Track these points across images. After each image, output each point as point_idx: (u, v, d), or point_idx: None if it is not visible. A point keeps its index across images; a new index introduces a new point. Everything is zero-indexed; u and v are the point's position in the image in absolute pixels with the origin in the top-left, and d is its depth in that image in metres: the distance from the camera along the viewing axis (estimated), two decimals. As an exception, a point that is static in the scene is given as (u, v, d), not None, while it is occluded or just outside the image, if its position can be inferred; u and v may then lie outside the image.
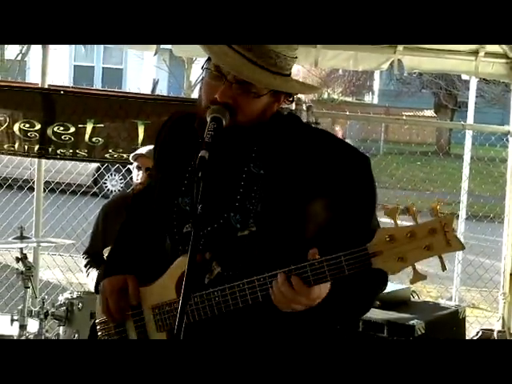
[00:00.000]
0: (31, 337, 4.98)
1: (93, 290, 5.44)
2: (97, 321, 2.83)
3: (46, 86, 6.80)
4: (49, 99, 6.63)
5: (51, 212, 8.43)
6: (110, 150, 6.73)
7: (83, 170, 10.10)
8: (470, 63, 7.06)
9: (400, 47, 6.93)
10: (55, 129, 6.62)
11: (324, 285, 2.32)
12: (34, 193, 7.03)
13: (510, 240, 7.38)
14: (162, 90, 20.80)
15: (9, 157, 7.51)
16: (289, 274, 2.30)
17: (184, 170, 2.59)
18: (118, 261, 2.84)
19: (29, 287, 5.05)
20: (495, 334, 7.38)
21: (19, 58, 23.25)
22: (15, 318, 5.00)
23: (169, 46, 7.62)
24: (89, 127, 6.65)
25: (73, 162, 8.27)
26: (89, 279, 5.56)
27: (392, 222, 2.25)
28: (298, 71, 22.27)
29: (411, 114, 24.99)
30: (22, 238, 5.19)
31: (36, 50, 18.27)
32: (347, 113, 8.80)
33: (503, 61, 7.02)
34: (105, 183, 13.85)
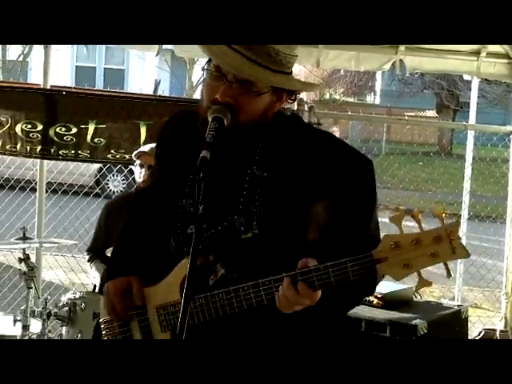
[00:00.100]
0: (34, 337, 4.99)
1: (97, 282, 5.47)
2: (101, 320, 2.84)
3: (48, 87, 6.80)
4: (51, 100, 6.63)
5: (53, 213, 8.44)
6: (112, 151, 6.73)
7: (85, 171, 10.09)
8: (471, 63, 7.05)
9: (402, 47, 6.93)
10: (57, 129, 6.62)
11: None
12: (37, 193, 7.03)
13: (512, 240, 7.39)
14: (164, 91, 20.76)
15: (11, 157, 7.51)
16: (294, 278, 2.31)
17: (187, 171, 2.59)
18: (121, 261, 2.84)
19: (31, 288, 5.05)
20: (497, 333, 7.38)
21: (21, 58, 23.27)
22: (18, 318, 5.00)
23: (171, 47, 7.61)
24: (91, 128, 6.65)
25: (75, 163, 8.28)
26: (92, 271, 5.58)
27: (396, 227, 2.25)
28: (300, 71, 22.24)
29: (413, 114, 24.98)
30: (24, 238, 5.19)
31: (38, 50, 18.27)
32: (349, 113, 8.79)
33: (505, 61, 7.02)
34: (107, 184, 13.85)
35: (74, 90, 7.06)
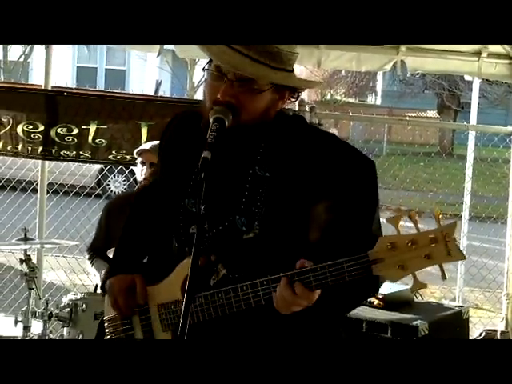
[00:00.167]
0: (35, 338, 4.99)
1: (97, 281, 5.48)
2: (105, 318, 2.84)
3: (49, 88, 6.80)
4: (52, 101, 6.64)
5: (55, 213, 8.44)
6: (114, 152, 6.73)
7: (86, 172, 10.11)
8: (472, 64, 7.06)
9: (403, 48, 6.93)
10: (58, 130, 6.62)
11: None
12: (38, 194, 7.03)
13: (513, 240, 7.39)
14: (165, 91, 20.79)
15: (12, 158, 7.51)
16: (291, 278, 2.31)
17: (190, 171, 2.59)
18: (125, 259, 2.86)
19: (33, 288, 5.05)
20: (498, 334, 7.38)
21: (22, 59, 23.29)
22: (19, 319, 5.00)
23: (172, 47, 7.61)
24: (92, 128, 6.65)
25: (76, 164, 8.27)
26: (93, 270, 5.58)
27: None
28: (301, 72, 22.23)
29: (414, 114, 25.03)
30: (25, 239, 5.19)
31: (39, 51, 18.29)
32: (350, 114, 8.79)
33: (506, 61, 7.02)
34: (108, 185, 13.85)
35: (75, 91, 7.06)
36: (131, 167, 6.79)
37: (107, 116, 6.67)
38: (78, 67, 28.06)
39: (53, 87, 6.87)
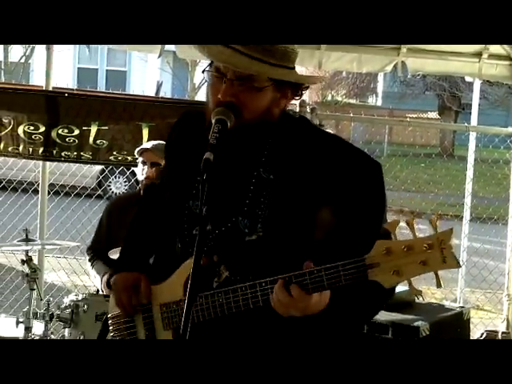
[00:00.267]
0: (36, 339, 4.99)
1: (97, 282, 5.48)
2: (109, 315, 2.85)
3: (50, 89, 6.80)
4: (53, 102, 6.64)
5: (56, 214, 8.44)
6: (115, 153, 6.74)
7: (88, 173, 10.11)
8: (473, 65, 7.07)
9: (403, 49, 6.93)
10: (59, 131, 6.62)
11: (324, 294, 2.33)
12: (39, 195, 7.03)
13: (514, 241, 7.40)
14: (166, 93, 20.80)
15: (13, 159, 7.50)
16: (288, 280, 2.31)
17: (194, 173, 2.59)
18: (130, 257, 2.87)
19: (34, 289, 5.05)
20: (499, 335, 7.38)
21: (23, 60, 23.32)
22: (20, 320, 5.00)
23: (172, 48, 7.61)
24: (93, 129, 6.65)
25: (77, 165, 8.27)
26: (93, 271, 5.59)
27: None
28: (302, 73, 22.25)
29: (415, 115, 24.99)
30: (26, 240, 5.19)
31: (40, 52, 18.30)
32: (351, 115, 8.80)
33: (507, 63, 7.03)
34: (109, 185, 13.87)
35: (76, 92, 7.05)
36: (132, 168, 6.79)
37: (108, 117, 6.67)
38: (78, 68, 28.09)
39: (54, 88, 6.87)
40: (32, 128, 6.61)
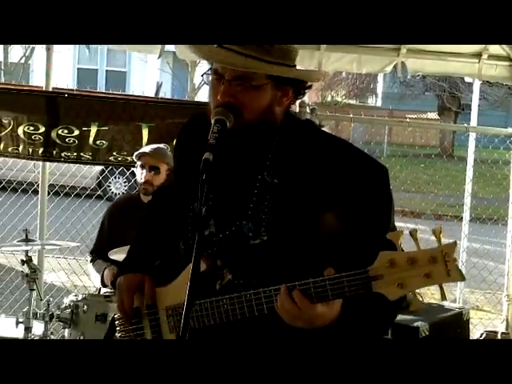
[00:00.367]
0: (36, 339, 4.99)
1: (98, 280, 5.50)
2: (116, 316, 2.85)
3: (50, 89, 6.80)
4: (53, 102, 6.63)
5: (56, 215, 8.45)
6: (115, 153, 6.74)
7: (87, 173, 10.11)
8: (473, 66, 7.07)
9: (403, 50, 6.94)
10: (59, 132, 6.62)
11: (332, 307, 2.32)
12: (39, 195, 7.04)
13: (513, 242, 7.40)
14: (166, 93, 20.81)
15: (13, 160, 7.51)
16: (291, 287, 2.31)
17: (198, 175, 2.59)
18: (136, 258, 2.87)
19: (34, 290, 5.06)
20: (499, 335, 7.38)
21: (23, 60, 23.32)
22: (20, 320, 5.01)
23: (172, 49, 7.61)
24: (93, 130, 6.65)
25: (77, 165, 8.27)
26: (93, 271, 5.60)
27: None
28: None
29: (415, 116, 25.00)
30: (26, 240, 5.20)
31: (39, 52, 18.30)
32: (351, 115, 8.80)
33: (506, 63, 7.03)
34: (109, 186, 13.87)
35: (76, 92, 7.05)
36: (132, 169, 6.79)
37: (108, 117, 6.67)
38: (78, 69, 28.08)
39: (53, 89, 6.87)
40: (32, 128, 6.61)
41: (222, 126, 2.38)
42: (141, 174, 5.57)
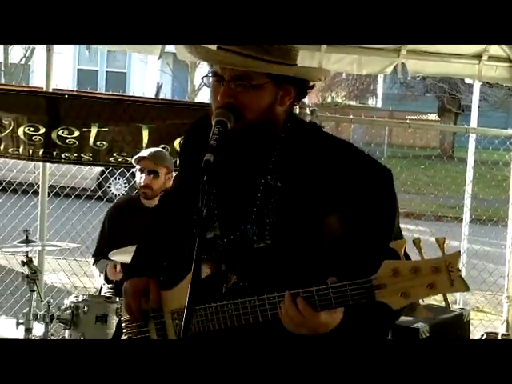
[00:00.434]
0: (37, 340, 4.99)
1: (100, 279, 5.51)
2: (122, 318, 2.85)
3: (51, 90, 6.80)
4: (53, 103, 6.63)
5: (56, 216, 8.45)
6: (115, 154, 6.73)
7: (88, 174, 10.10)
8: (473, 67, 7.07)
9: (403, 51, 6.94)
10: (60, 133, 6.62)
11: (335, 315, 2.32)
12: (39, 197, 7.04)
13: (513, 243, 7.40)
14: (166, 94, 20.81)
15: (13, 161, 7.51)
16: (295, 294, 2.30)
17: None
18: (142, 262, 2.86)
19: (34, 291, 5.06)
20: (499, 337, 7.38)
21: (23, 61, 23.34)
22: (21, 321, 5.00)
23: (172, 50, 7.61)
24: (93, 131, 6.65)
25: (77, 166, 8.28)
26: (96, 271, 5.61)
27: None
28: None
29: (415, 117, 25.01)
30: (27, 241, 5.19)
31: (40, 53, 18.31)
32: (351, 116, 8.81)
33: (506, 64, 7.03)
34: (109, 187, 13.89)
35: (76, 93, 7.04)
36: (132, 170, 6.79)
37: (108, 118, 6.67)
38: (78, 69, 28.08)
39: (54, 89, 6.87)
40: (32, 129, 6.61)
41: (223, 127, 2.38)
42: (140, 178, 5.58)
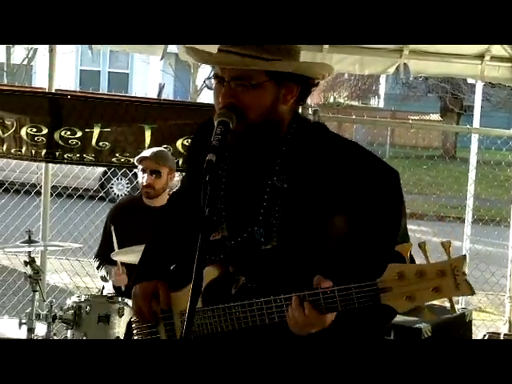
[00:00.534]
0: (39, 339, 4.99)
1: (106, 284, 5.52)
2: (132, 319, 2.86)
3: (53, 91, 6.81)
4: (56, 104, 6.63)
5: (58, 216, 8.45)
6: (117, 155, 6.73)
7: (90, 175, 10.12)
8: (475, 67, 7.06)
9: (406, 51, 6.92)
10: (62, 133, 6.62)
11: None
12: (41, 197, 7.04)
13: (516, 243, 7.39)
14: (168, 95, 20.83)
15: (16, 161, 7.52)
16: (302, 298, 2.31)
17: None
18: (150, 265, 2.87)
19: (37, 291, 5.06)
20: (502, 337, 7.37)
21: (25, 62, 23.35)
22: (23, 321, 5.00)
23: (175, 50, 7.62)
24: (96, 131, 6.65)
25: (80, 167, 8.30)
26: (102, 273, 5.61)
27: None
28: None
29: (417, 117, 25.01)
30: (29, 241, 5.20)
31: (42, 54, 18.32)
32: (353, 117, 8.80)
33: (509, 65, 7.02)
34: (111, 187, 13.88)
35: (78, 94, 7.04)
36: (134, 170, 6.79)
37: (111, 119, 6.67)
38: (81, 70, 28.09)
39: (56, 90, 6.87)
40: (35, 130, 6.61)
41: (225, 128, 2.39)
42: (142, 178, 5.59)
